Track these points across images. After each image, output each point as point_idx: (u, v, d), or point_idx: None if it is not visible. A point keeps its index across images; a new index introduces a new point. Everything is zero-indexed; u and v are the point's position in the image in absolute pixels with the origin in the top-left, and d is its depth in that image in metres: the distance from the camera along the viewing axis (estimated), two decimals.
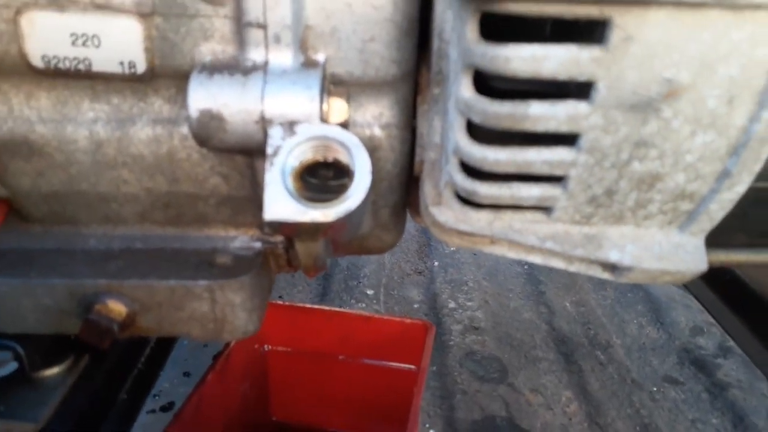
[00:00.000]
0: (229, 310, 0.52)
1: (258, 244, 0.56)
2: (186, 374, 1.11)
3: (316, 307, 0.93)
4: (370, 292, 1.34)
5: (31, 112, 0.49)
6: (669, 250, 0.49)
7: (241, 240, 0.57)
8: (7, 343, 0.53)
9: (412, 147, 0.53)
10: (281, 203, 0.43)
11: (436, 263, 1.47)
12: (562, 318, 1.23)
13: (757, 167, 0.42)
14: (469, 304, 1.25)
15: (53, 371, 0.55)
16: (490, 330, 1.20)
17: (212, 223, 0.56)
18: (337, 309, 0.91)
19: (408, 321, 0.88)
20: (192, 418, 0.79)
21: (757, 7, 0.35)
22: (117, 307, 0.50)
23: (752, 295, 0.80)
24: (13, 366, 0.52)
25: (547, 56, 0.38)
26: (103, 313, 0.50)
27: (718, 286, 0.83)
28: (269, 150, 0.44)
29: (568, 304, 1.28)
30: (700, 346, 1.18)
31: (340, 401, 0.96)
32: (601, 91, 0.39)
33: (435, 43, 0.47)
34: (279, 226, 0.45)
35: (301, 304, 0.92)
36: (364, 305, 1.30)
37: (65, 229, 0.56)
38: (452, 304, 1.26)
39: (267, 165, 0.44)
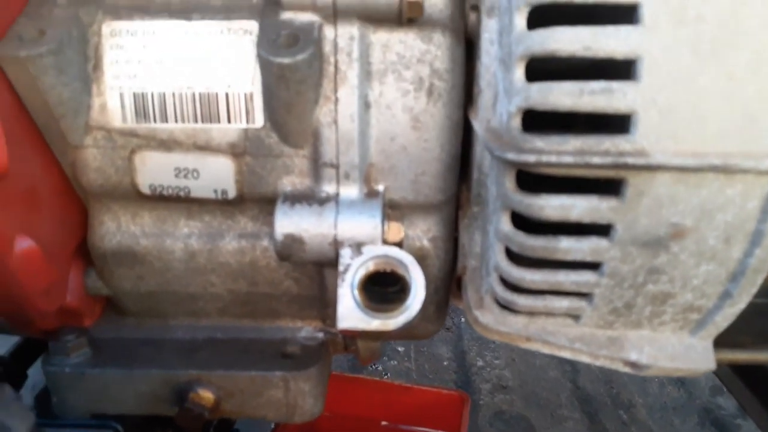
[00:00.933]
0: (300, 397, 0.60)
1: (321, 335, 0.65)
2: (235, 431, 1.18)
3: (360, 377, 1.01)
4: (401, 349, 1.41)
5: (136, 228, 0.58)
6: (681, 351, 0.56)
7: (307, 330, 0.65)
8: (109, 423, 0.61)
9: (454, 254, 0.61)
10: (351, 314, 0.51)
11: (462, 320, 1.54)
12: (586, 376, 1.28)
13: (754, 290, 0.50)
14: (497, 362, 1.31)
15: None
16: (517, 389, 1.26)
17: (282, 317, 0.64)
18: (379, 379, 0.98)
19: (445, 391, 0.95)
20: None
21: (745, 171, 0.43)
22: (207, 395, 0.59)
23: (762, 369, 0.86)
24: None
25: (573, 205, 0.46)
26: (196, 401, 0.58)
27: None
28: (341, 268, 0.53)
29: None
30: (720, 406, 1.22)
31: None
32: (618, 231, 0.47)
33: (475, 174, 0.55)
34: (348, 331, 0.53)
35: (347, 374, 1.00)
36: (395, 362, 1.37)
37: (155, 322, 0.65)
38: (480, 363, 1.32)
39: (339, 280, 0.52)
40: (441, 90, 0.52)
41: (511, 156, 0.45)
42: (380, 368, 1.30)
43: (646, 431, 1.19)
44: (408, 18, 0.49)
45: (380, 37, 0.51)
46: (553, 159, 0.44)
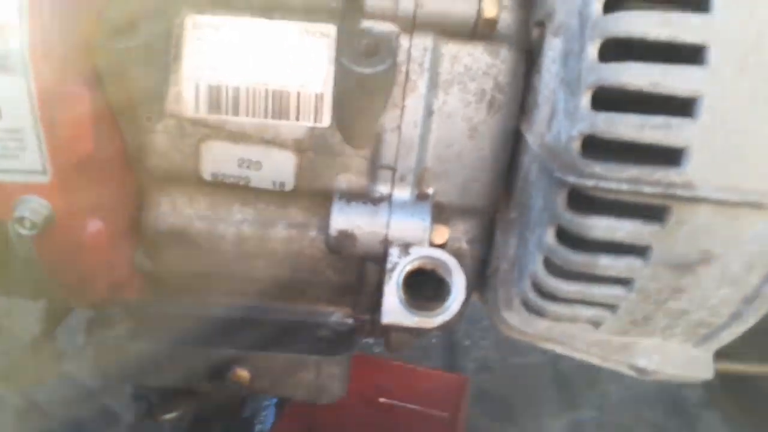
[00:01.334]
0: (329, 380, 0.64)
1: (351, 321, 0.68)
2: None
3: (359, 354, 1.05)
4: None
5: (191, 211, 0.60)
6: (685, 361, 0.62)
7: (337, 316, 0.69)
8: (144, 394, 0.64)
9: (487, 254, 0.65)
10: (395, 310, 0.55)
11: None
12: (566, 362, 1.36)
13: (762, 313, 0.55)
14: (483, 342, 1.37)
15: (171, 416, 0.67)
16: (500, 369, 1.34)
17: (317, 302, 0.68)
18: (381, 358, 1.03)
19: (446, 374, 1.00)
20: None
21: None
22: (243, 374, 0.62)
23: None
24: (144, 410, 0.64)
25: (619, 228, 0.50)
26: (233, 380, 0.61)
27: None
28: (388, 266, 0.56)
29: None
30: (686, 398, 1.32)
31: None
32: (654, 253, 0.51)
33: (519, 183, 0.59)
34: (389, 325, 0.57)
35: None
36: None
37: (194, 299, 0.67)
38: (467, 342, 1.39)
39: (386, 278, 0.56)
40: (501, 103, 0.55)
41: (572, 179, 0.49)
42: (370, 341, 1.34)
43: (617, 416, 1.28)
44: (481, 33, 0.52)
45: (451, 48, 0.54)
46: (612, 185, 0.48)
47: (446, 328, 0.73)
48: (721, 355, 0.64)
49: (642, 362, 0.62)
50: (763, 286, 0.53)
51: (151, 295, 0.67)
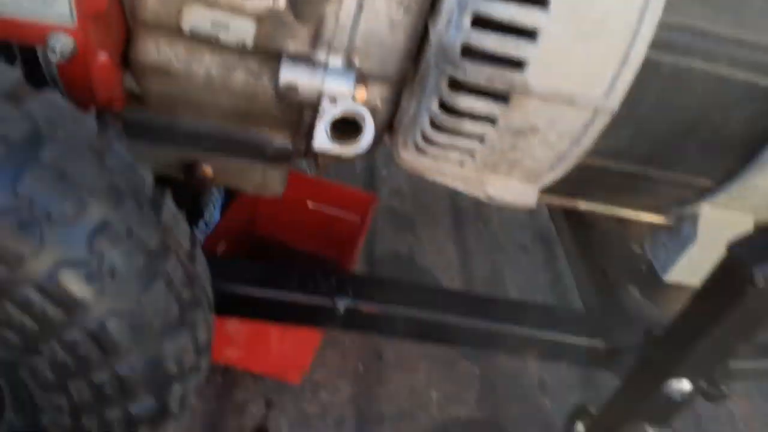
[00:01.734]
0: (272, 180, 0.89)
1: (289, 145, 0.92)
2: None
3: (297, 172, 1.30)
4: None
5: (171, 53, 0.78)
6: (519, 193, 0.90)
7: (280, 140, 0.91)
8: None
9: (395, 111, 0.88)
10: (323, 141, 0.79)
11: None
12: (462, 195, 1.69)
13: (569, 167, 0.83)
14: (398, 175, 1.65)
15: None
16: (408, 195, 1.64)
17: (265, 128, 0.90)
18: (310, 175, 1.28)
19: (360, 191, 1.28)
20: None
21: (578, 104, 0.73)
22: (208, 170, 0.86)
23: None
24: None
25: (477, 105, 0.74)
26: (201, 173, 0.85)
27: None
28: (321, 111, 0.78)
29: None
30: (551, 229, 1.69)
31: (306, 233, 1.38)
32: (500, 122, 0.76)
33: (423, 65, 0.80)
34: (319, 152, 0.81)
35: None
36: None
37: (168, 114, 0.87)
38: (384, 173, 1.67)
39: (318, 119, 0.78)
40: (414, 9, 0.74)
41: (450, 71, 0.71)
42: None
43: (495, 236, 1.64)
44: None
45: None
46: (473, 78, 0.70)
47: (360, 157, 0.99)
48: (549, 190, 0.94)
49: (491, 191, 0.90)
50: (570, 151, 0.80)
51: (135, 109, 0.87)
